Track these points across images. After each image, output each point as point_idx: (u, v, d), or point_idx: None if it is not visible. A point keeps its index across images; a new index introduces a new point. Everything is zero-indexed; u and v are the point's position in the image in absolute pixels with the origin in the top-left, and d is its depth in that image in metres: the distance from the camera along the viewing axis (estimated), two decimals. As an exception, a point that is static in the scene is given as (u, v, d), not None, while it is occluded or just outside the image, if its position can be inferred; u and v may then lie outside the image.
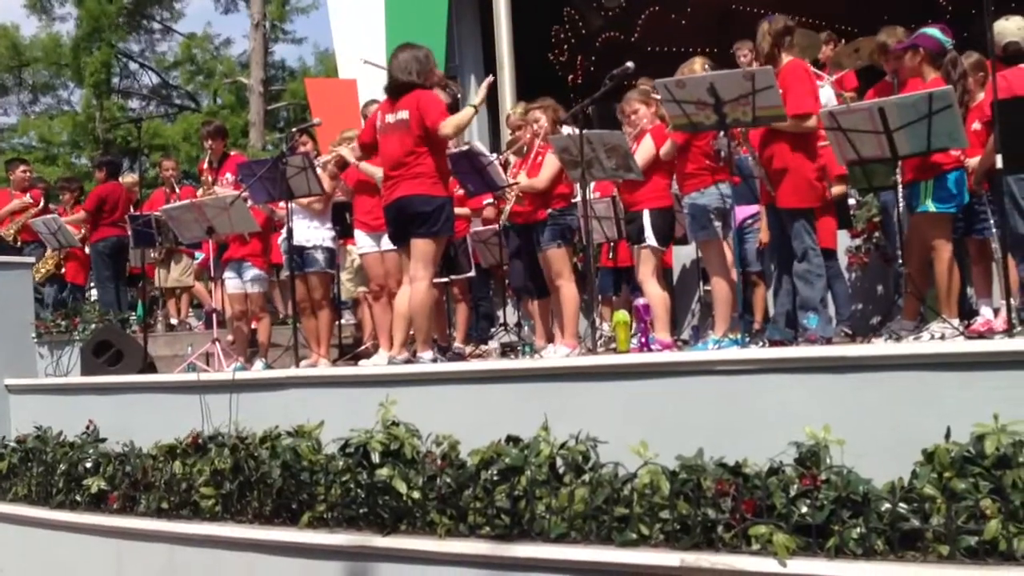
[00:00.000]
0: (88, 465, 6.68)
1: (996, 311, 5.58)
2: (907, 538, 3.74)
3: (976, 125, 5.67)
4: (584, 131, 5.87)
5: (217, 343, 7.54)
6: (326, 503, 5.36)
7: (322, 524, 5.40)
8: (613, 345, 6.31)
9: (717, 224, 5.90)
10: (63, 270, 10.17)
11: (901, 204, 5.37)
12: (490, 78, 6.41)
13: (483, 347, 7.58)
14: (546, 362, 5.65)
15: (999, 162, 4.70)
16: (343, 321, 8.96)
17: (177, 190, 10.00)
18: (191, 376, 6.69)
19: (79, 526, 6.56)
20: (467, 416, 5.28)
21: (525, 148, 6.83)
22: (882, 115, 5.03)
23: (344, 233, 7.76)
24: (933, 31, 5.50)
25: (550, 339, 6.77)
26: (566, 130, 6.55)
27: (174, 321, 10.40)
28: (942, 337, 4.99)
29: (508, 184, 6.76)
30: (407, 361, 5.98)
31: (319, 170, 7.01)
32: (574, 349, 6.24)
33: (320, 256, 7.39)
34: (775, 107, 5.17)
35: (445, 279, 7.34)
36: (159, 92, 33.08)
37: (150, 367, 7.72)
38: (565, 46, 14.30)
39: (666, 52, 11.70)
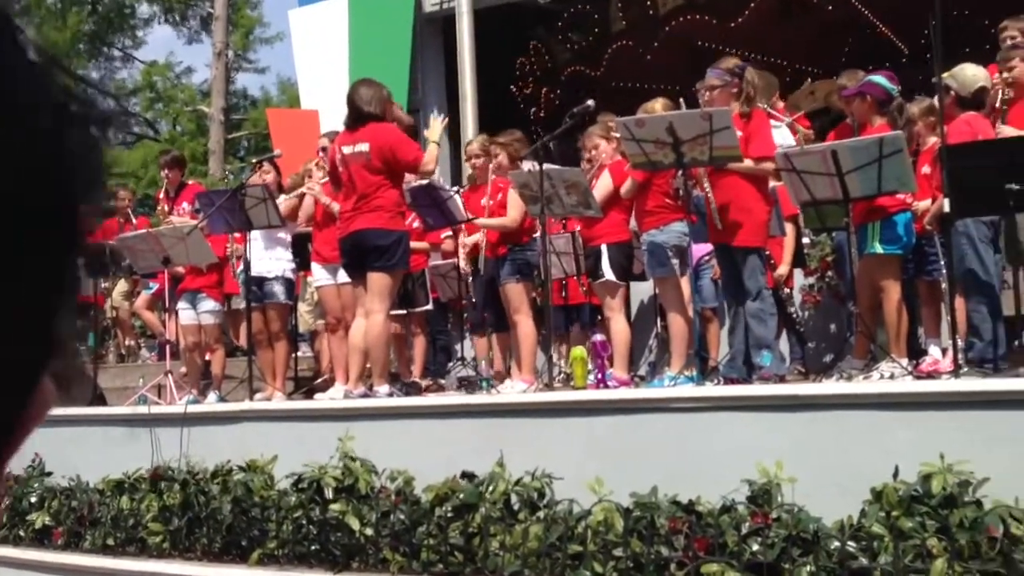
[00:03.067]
0: (32, 500, 6.53)
1: (944, 351, 5.68)
2: (856, 577, 3.77)
3: (926, 168, 5.80)
4: (544, 167, 5.91)
5: (169, 375, 7.44)
6: (277, 540, 5.28)
7: (272, 561, 5.31)
8: (570, 381, 6.32)
9: (675, 261, 5.96)
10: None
11: (853, 245, 5.47)
12: (444, 118, 6.53)
13: (440, 381, 7.56)
14: (503, 397, 5.65)
15: (946, 206, 4.81)
16: (300, 353, 8.88)
17: (133, 220, 9.89)
18: (142, 409, 6.59)
19: (22, 562, 6.38)
20: (423, 451, 5.25)
21: (476, 178, 6.93)
22: (835, 158, 5.14)
23: (304, 265, 7.73)
24: (879, 79, 5.65)
25: (507, 372, 6.78)
26: (526, 166, 6.60)
27: (124, 350, 10.24)
28: (891, 376, 5.07)
29: (468, 219, 6.78)
30: (363, 395, 5.94)
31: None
32: (531, 384, 6.24)
33: (280, 287, 7.35)
34: (731, 147, 5.25)
35: (403, 311, 7.32)
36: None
37: (99, 399, 7.58)
38: (530, 79, 14.33)
39: (631, 88, 11.74)
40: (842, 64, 9.01)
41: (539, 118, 13.94)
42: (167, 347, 7.88)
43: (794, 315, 6.98)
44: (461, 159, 10.03)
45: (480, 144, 7.13)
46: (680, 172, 5.52)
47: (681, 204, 5.81)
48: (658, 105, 6.04)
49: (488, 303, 6.92)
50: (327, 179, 7.02)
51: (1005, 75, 5.79)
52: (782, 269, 6.67)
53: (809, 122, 8.39)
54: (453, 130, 10.40)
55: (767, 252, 5.91)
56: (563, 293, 7.69)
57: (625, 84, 12.22)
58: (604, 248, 6.21)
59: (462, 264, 7.10)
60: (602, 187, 6.23)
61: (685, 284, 6.12)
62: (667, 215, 5.95)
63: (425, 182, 6.95)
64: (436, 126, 6.40)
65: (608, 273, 6.19)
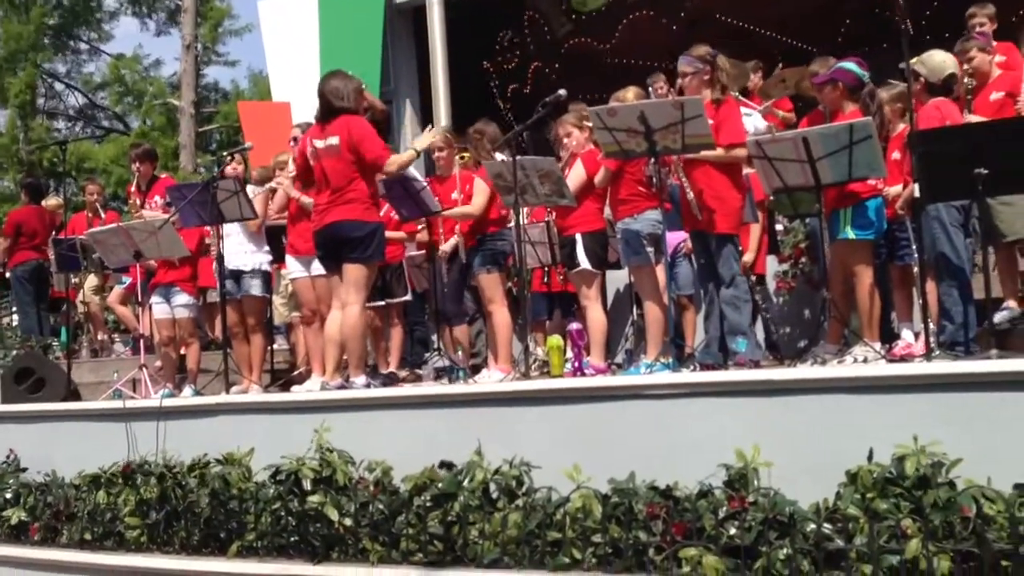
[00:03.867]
0: (8, 496, 6.49)
1: (917, 334, 5.75)
2: (832, 558, 3.81)
3: (896, 154, 5.85)
4: (517, 157, 5.92)
5: (144, 369, 7.38)
6: (256, 532, 5.28)
7: (251, 553, 5.31)
8: (547, 369, 6.33)
9: (650, 249, 5.97)
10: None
11: (825, 231, 5.52)
12: (434, 129, 6.60)
13: (418, 371, 7.56)
14: (480, 387, 5.66)
15: (916, 191, 4.87)
16: (276, 346, 8.84)
17: (102, 215, 9.79)
18: (116, 403, 6.54)
19: (-2, 559, 6.35)
20: (401, 441, 5.26)
21: (440, 170, 6.99)
22: (806, 145, 5.18)
23: (279, 257, 7.70)
24: (850, 65, 5.69)
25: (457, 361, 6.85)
26: (499, 156, 6.60)
27: (98, 345, 10.16)
28: (864, 360, 5.13)
29: (441, 210, 6.78)
30: (340, 386, 5.93)
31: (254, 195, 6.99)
32: (508, 374, 6.26)
33: (257, 280, 7.32)
34: (703, 135, 5.28)
35: (381, 303, 7.32)
36: (86, 113, 32.36)
37: (74, 394, 7.53)
38: (517, 52, 14.01)
39: (640, 65, 11.19)
40: (838, 45, 9.01)
41: (523, 95, 13.64)
42: (141, 341, 7.82)
43: (759, 302, 6.99)
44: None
45: (443, 137, 7.12)
46: (652, 160, 5.54)
47: (655, 192, 5.83)
48: (630, 94, 6.06)
49: (450, 293, 6.97)
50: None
51: (966, 66, 5.87)
52: (748, 256, 6.69)
53: (792, 105, 8.44)
54: (425, 119, 10.39)
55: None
56: (545, 280, 7.72)
57: (635, 61, 11.87)
58: (579, 237, 6.23)
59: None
60: (575, 176, 6.24)
61: (660, 272, 6.15)
62: (641, 203, 5.97)
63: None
64: (426, 137, 6.52)
65: (584, 262, 6.21)
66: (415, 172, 7.31)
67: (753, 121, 7.46)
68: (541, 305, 7.75)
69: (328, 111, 6.06)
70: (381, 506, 4.91)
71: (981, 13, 6.71)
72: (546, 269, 7.64)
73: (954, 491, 3.78)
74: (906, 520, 3.75)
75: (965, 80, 5.85)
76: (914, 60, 5.44)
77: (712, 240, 5.60)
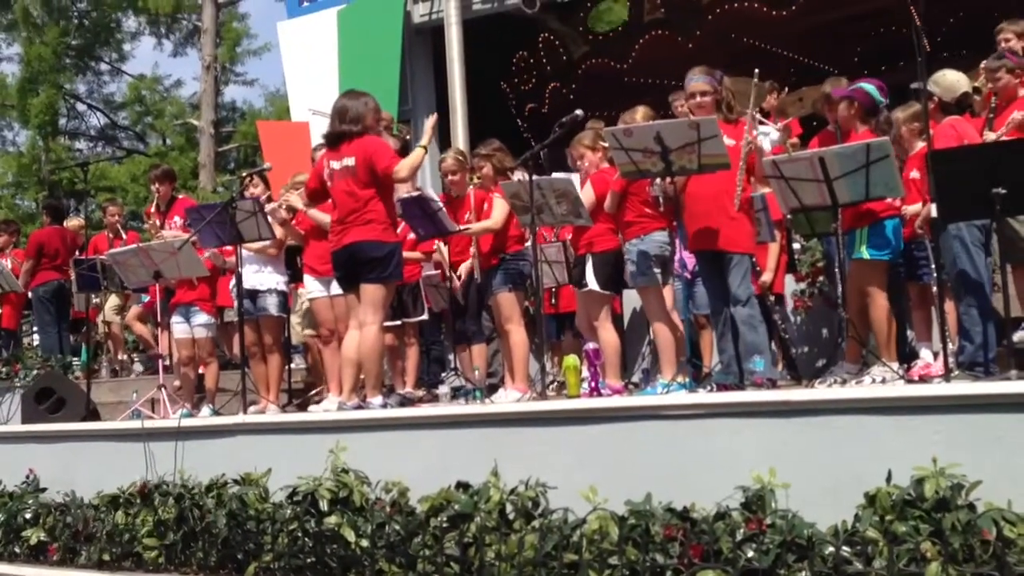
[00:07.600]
0: (28, 516, 6.51)
1: (936, 354, 5.71)
2: (851, 581, 3.78)
3: (915, 173, 5.83)
4: (534, 177, 5.93)
5: (163, 389, 7.42)
6: (273, 552, 5.29)
7: (268, 574, 5.32)
8: (564, 390, 6.32)
9: (657, 271, 5.96)
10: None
11: (842, 250, 5.50)
12: (434, 117, 6.47)
13: (434, 391, 7.57)
14: (497, 407, 5.65)
15: (934, 211, 4.84)
16: (293, 365, 8.87)
17: (123, 235, 9.88)
18: (135, 423, 6.57)
19: (17, 579, 6.38)
20: (417, 462, 5.26)
21: (454, 194, 7.00)
22: (822, 164, 5.17)
23: (295, 277, 7.74)
24: (869, 86, 5.68)
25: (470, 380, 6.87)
26: (516, 175, 6.62)
27: (117, 364, 10.22)
28: (883, 381, 5.10)
29: (458, 230, 6.80)
30: (357, 407, 5.95)
31: (270, 218, 6.99)
32: (525, 394, 6.25)
33: (273, 300, 7.36)
34: (719, 155, 5.28)
35: (398, 322, 7.33)
36: (106, 133, 32.70)
37: (93, 414, 7.57)
38: (533, 72, 14.09)
39: (657, 84, 10.99)
40: (853, 64, 8.97)
41: (541, 114, 13.68)
42: (160, 361, 7.86)
43: (779, 323, 6.93)
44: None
45: (454, 159, 7.12)
46: (656, 181, 5.53)
47: (661, 212, 5.82)
48: (638, 115, 6.05)
49: (468, 312, 6.97)
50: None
51: (990, 85, 5.84)
52: (766, 276, 6.66)
53: (801, 129, 8.42)
54: (443, 140, 10.43)
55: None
56: (552, 301, 7.71)
57: (653, 80, 11.69)
58: (590, 257, 6.22)
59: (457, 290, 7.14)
60: (584, 197, 6.21)
61: (668, 293, 6.13)
62: (648, 224, 5.95)
63: (416, 194, 6.97)
64: (427, 131, 6.32)
65: (592, 282, 6.18)
66: (433, 193, 7.35)
67: (770, 138, 7.47)
68: (549, 326, 7.73)
69: (339, 132, 6.09)
70: (397, 527, 4.91)
71: (1009, 29, 6.66)
72: (553, 290, 7.63)
73: (974, 514, 3.74)
74: (925, 543, 3.71)
75: (992, 99, 5.82)
76: (931, 81, 5.43)
77: (733, 258, 5.53)
